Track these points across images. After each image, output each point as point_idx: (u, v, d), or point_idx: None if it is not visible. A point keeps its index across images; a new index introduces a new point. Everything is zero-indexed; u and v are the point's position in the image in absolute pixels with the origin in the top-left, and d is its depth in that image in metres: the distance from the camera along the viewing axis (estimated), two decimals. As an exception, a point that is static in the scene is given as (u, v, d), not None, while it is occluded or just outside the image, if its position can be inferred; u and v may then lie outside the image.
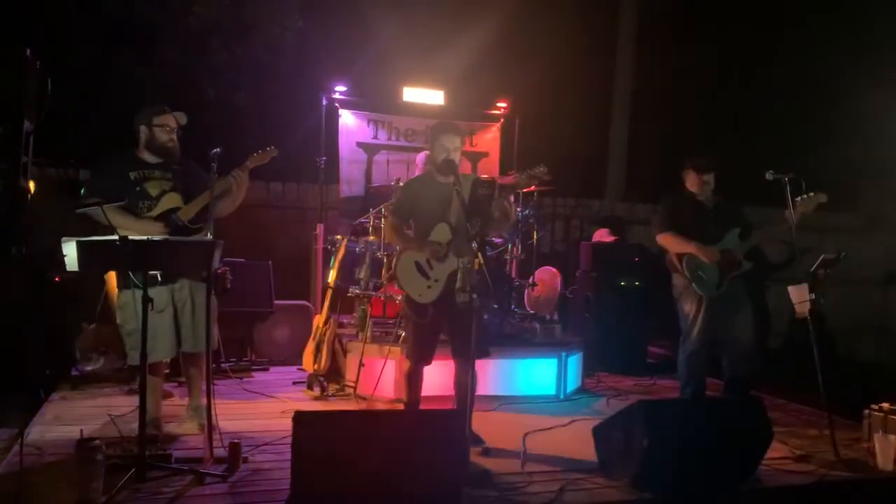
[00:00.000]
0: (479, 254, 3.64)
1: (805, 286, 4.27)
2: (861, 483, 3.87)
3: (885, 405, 4.25)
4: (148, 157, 4.16)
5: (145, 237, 3.66)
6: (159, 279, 3.94)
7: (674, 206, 5.02)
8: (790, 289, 4.32)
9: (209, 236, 3.88)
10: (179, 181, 4.17)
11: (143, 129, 4.15)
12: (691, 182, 4.97)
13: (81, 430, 3.52)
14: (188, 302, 4.09)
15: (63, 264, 3.40)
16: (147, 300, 3.44)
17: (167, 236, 3.97)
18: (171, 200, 4.10)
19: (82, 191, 4.27)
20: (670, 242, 4.89)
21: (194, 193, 4.13)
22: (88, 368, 5.38)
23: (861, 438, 4.31)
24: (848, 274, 8.07)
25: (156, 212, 4.05)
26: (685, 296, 4.89)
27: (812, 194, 4.54)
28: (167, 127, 4.14)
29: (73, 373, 5.35)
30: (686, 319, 4.91)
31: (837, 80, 11.55)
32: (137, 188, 4.06)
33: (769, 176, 4.61)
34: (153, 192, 4.08)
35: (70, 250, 3.32)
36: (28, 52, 4.50)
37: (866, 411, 4.33)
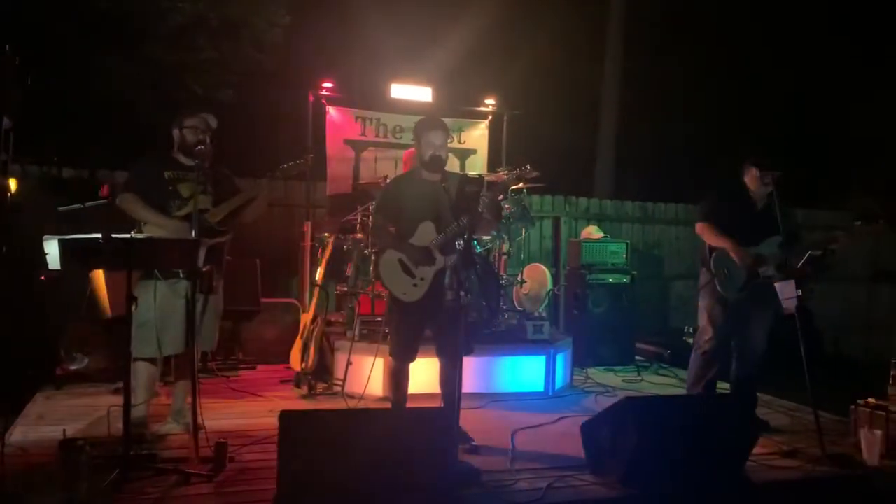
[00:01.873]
0: (468, 251, 3.62)
1: (792, 282, 4.26)
2: (847, 478, 3.88)
3: (871, 401, 4.27)
4: (182, 159, 4.22)
5: (145, 235, 3.77)
6: (180, 275, 4.00)
7: (721, 197, 4.75)
8: (777, 285, 4.32)
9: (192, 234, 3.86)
10: (210, 184, 4.22)
11: (175, 131, 4.23)
12: (750, 178, 4.65)
13: (64, 430, 3.49)
14: (201, 301, 4.09)
15: (45, 263, 3.37)
16: (131, 298, 3.41)
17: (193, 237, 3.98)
18: (201, 202, 4.11)
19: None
20: (707, 233, 4.64)
21: (225, 197, 4.21)
22: (73, 368, 5.33)
23: (847, 434, 4.33)
24: (835, 270, 8.11)
25: (184, 211, 4.08)
26: (707, 292, 4.70)
27: (874, 223, 4.32)
28: (196, 129, 4.19)
29: (58, 372, 5.29)
30: (704, 317, 4.72)
31: (824, 81, 11.63)
32: (170, 187, 4.14)
33: (756, 173, 4.60)
34: (185, 192, 4.14)
35: (52, 248, 3.29)
36: (7, 47, 4.44)
37: (852, 407, 4.34)
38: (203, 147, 3.91)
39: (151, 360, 4.03)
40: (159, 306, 3.87)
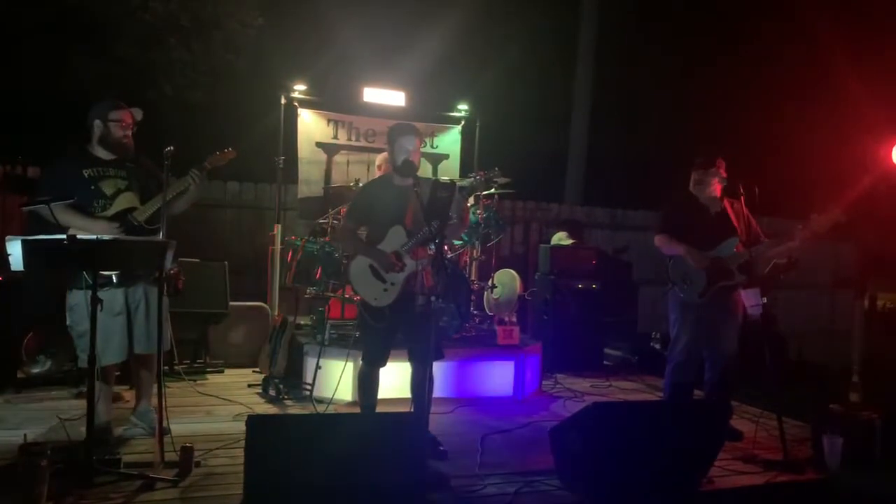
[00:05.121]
0: (438, 256, 3.63)
1: (758, 290, 4.33)
2: (810, 483, 3.95)
3: (834, 407, 4.35)
4: (102, 154, 4.06)
5: (95, 237, 3.57)
6: (113, 280, 3.86)
7: (674, 208, 4.82)
8: (743, 293, 4.38)
9: (161, 236, 3.80)
10: (135, 180, 4.08)
11: (97, 123, 4.05)
12: (692, 184, 4.74)
13: (25, 435, 3.42)
14: (142, 303, 4.02)
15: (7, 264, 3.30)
16: (96, 301, 3.35)
17: (121, 237, 3.88)
18: (127, 200, 4.01)
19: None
20: (663, 243, 4.69)
21: (150, 193, 4.05)
22: (35, 371, 5.22)
23: (810, 440, 4.40)
24: (798, 277, 8.27)
25: (111, 212, 3.96)
26: (673, 302, 4.72)
27: (824, 214, 4.29)
28: (123, 122, 4.04)
29: (19, 375, 5.18)
30: (673, 327, 4.74)
31: (792, 89, 11.84)
32: (92, 186, 3.96)
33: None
34: (108, 191, 3.99)
35: (15, 249, 3.22)
36: None
37: (815, 413, 4.42)
38: (171, 148, 3.80)
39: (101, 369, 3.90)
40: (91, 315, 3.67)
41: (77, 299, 3.87)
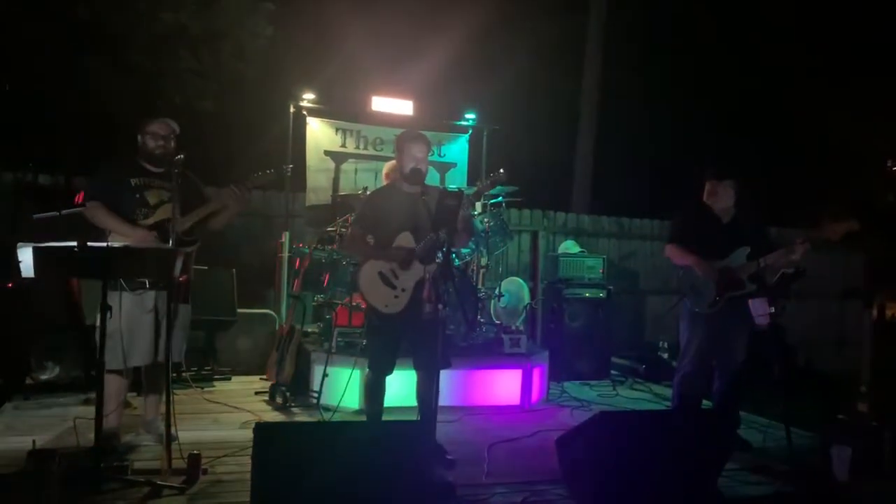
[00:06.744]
0: (446, 264, 3.63)
1: (766, 299, 4.32)
2: (818, 494, 3.93)
3: (842, 416, 4.32)
4: (149, 166, 4.18)
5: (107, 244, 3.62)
6: (147, 285, 3.95)
7: (686, 217, 4.80)
8: (750, 302, 4.36)
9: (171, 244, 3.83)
10: (178, 192, 4.15)
11: (138, 137, 4.20)
12: (706, 194, 4.73)
13: (34, 441, 3.44)
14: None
15: (17, 270, 3.33)
16: (105, 308, 3.38)
17: (160, 245, 3.95)
18: (168, 211, 4.08)
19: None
20: (673, 254, 4.70)
21: (191, 205, 4.14)
22: (43, 377, 5.24)
23: (818, 450, 4.38)
24: (807, 287, 8.23)
25: (151, 220, 4.05)
26: (684, 311, 4.73)
27: (839, 221, 4.26)
28: (157, 134, 4.16)
29: (27, 382, 5.21)
30: (683, 337, 4.74)
31: (801, 95, 11.82)
32: (137, 195, 4.09)
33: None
34: (152, 200, 4.10)
35: (26, 256, 3.25)
36: None
37: (824, 423, 4.39)
38: (182, 156, 3.86)
39: (118, 372, 3.96)
40: (125, 318, 3.79)
41: (112, 300, 3.90)
